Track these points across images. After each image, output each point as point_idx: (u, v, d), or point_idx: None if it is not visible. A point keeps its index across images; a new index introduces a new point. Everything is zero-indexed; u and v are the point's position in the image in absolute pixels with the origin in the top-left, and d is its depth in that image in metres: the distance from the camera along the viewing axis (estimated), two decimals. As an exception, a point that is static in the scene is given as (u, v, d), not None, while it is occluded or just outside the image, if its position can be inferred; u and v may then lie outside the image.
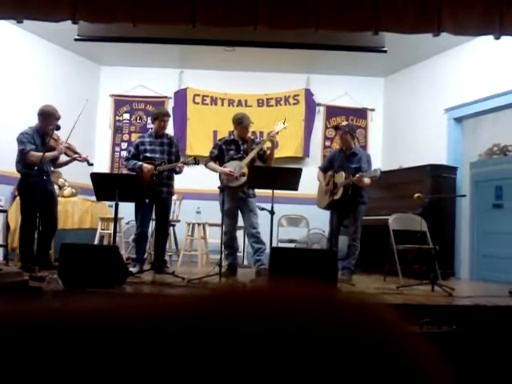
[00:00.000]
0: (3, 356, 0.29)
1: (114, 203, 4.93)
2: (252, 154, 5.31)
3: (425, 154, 7.04)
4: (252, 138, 5.78)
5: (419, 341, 0.31)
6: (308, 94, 8.30)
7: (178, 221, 7.04)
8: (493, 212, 6.38)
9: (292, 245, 7.11)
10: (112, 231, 5.18)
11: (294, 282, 0.33)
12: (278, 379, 0.27)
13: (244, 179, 5.15)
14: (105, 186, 4.85)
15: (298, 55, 7.28)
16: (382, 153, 8.28)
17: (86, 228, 6.81)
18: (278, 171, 5.00)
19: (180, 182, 5.95)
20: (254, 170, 5.09)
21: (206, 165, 5.49)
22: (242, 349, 0.28)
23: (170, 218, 6.03)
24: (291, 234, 7.24)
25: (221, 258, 5.07)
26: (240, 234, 6.00)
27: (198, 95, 8.33)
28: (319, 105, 8.35)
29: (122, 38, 6.20)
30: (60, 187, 6.65)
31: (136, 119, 8.41)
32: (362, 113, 8.41)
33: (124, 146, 8.21)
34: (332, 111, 8.38)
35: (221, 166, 5.37)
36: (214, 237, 6.67)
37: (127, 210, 5.67)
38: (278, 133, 5.53)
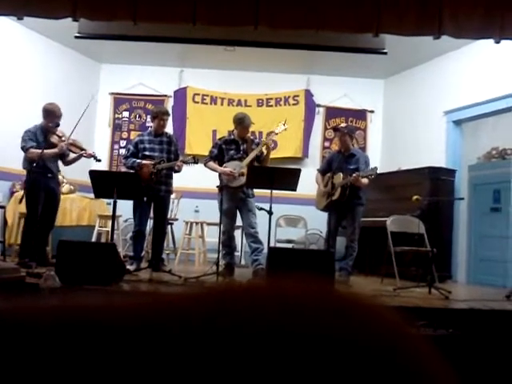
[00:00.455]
0: (0, 353, 0.29)
1: (112, 201, 4.93)
2: (252, 155, 5.30)
3: (424, 156, 7.04)
4: (251, 138, 5.78)
5: (419, 340, 0.31)
6: (308, 94, 8.30)
7: (176, 219, 7.03)
8: (490, 215, 6.38)
9: (290, 245, 7.10)
10: (110, 229, 5.18)
11: (292, 280, 0.33)
12: (276, 377, 0.27)
13: (244, 179, 5.15)
14: (103, 184, 4.84)
15: (298, 56, 7.28)
16: (381, 154, 8.29)
17: (83, 225, 6.80)
18: (276, 171, 5.00)
19: (178, 181, 5.94)
20: (253, 170, 5.08)
21: (205, 164, 5.48)
22: (240, 346, 0.28)
23: (168, 216, 6.02)
24: (289, 234, 7.24)
25: (218, 257, 5.07)
26: (238, 233, 6.00)
27: (198, 94, 8.32)
28: (319, 106, 8.36)
29: (122, 36, 6.20)
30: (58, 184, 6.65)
31: (135, 117, 8.40)
32: (361, 114, 8.41)
33: (123, 144, 8.21)
34: (332, 112, 8.39)
35: (220, 165, 5.36)
36: (212, 236, 6.67)
37: (125, 207, 5.66)
38: (277, 134, 5.52)
